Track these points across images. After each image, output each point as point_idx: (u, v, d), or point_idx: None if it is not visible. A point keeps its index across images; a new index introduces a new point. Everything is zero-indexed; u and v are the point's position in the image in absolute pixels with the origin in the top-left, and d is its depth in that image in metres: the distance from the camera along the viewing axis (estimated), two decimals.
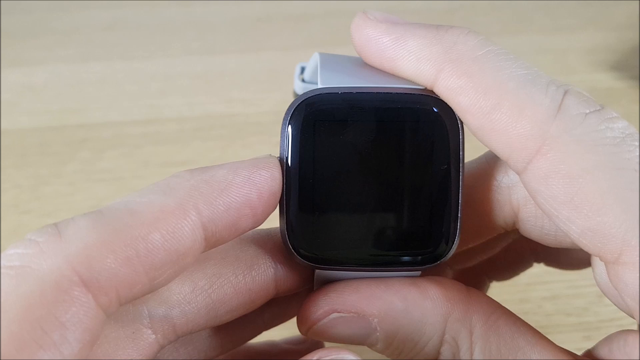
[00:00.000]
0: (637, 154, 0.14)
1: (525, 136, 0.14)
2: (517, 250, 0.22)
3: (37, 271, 0.12)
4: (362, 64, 0.17)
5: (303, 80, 0.25)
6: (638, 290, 0.14)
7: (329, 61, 0.17)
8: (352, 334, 0.17)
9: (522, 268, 0.23)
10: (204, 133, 0.43)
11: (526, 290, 0.32)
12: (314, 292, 0.17)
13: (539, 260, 0.23)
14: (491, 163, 0.18)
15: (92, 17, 0.55)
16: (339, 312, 0.16)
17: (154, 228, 0.13)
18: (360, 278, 0.17)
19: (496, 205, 0.18)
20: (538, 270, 0.24)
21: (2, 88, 0.47)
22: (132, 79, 0.48)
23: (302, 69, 0.25)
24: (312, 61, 0.19)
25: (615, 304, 0.17)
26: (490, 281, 0.24)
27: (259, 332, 0.21)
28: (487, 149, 0.17)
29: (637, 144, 0.14)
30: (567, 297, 0.32)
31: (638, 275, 0.13)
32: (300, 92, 0.18)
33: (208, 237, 0.15)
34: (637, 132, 0.14)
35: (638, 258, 0.13)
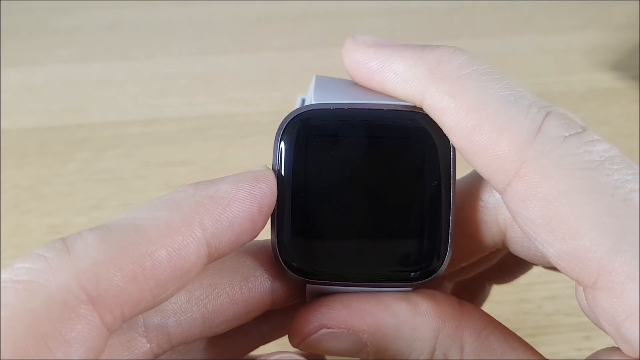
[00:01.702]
0: (615, 177, 0.14)
1: (503, 158, 0.14)
2: (515, 256, 0.22)
3: (45, 287, 0.12)
4: (356, 85, 0.18)
5: None
6: (615, 315, 0.14)
7: (323, 81, 0.18)
8: (342, 348, 0.17)
9: (522, 271, 0.23)
10: (204, 133, 0.43)
11: (526, 290, 0.32)
12: (305, 305, 0.17)
13: (537, 263, 0.23)
14: (477, 182, 0.18)
15: (92, 17, 0.55)
16: (328, 328, 0.16)
17: (160, 245, 0.14)
18: (351, 292, 0.17)
19: (484, 225, 0.17)
20: (538, 271, 0.24)
21: (2, 88, 0.47)
22: (132, 79, 0.48)
23: (303, 101, 0.25)
24: (312, 84, 0.19)
25: (596, 326, 0.17)
26: (491, 285, 0.24)
27: (256, 346, 0.21)
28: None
29: (616, 167, 0.14)
30: (567, 297, 0.32)
31: (615, 300, 0.13)
32: None
33: (211, 252, 0.15)
34: (619, 154, 0.14)
35: (614, 283, 0.13)
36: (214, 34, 0.53)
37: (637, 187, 0.14)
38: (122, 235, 0.13)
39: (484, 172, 0.15)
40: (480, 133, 0.15)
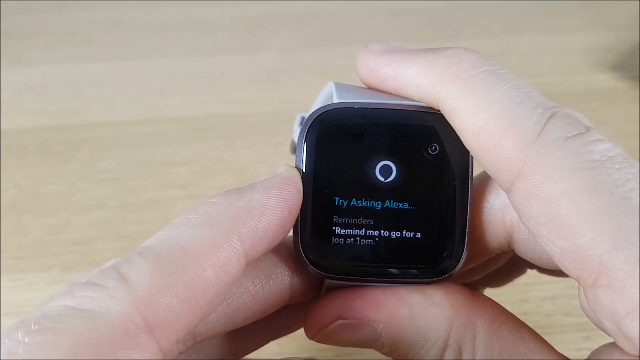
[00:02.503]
0: (615, 176, 0.14)
1: (506, 159, 0.15)
2: (511, 258, 0.22)
3: (107, 316, 0.13)
4: (372, 90, 0.18)
5: None
6: (615, 312, 0.14)
7: (344, 85, 0.18)
8: (357, 339, 0.17)
9: (516, 275, 0.23)
10: (204, 133, 0.43)
11: (526, 291, 0.32)
12: (321, 298, 0.17)
13: (532, 266, 0.23)
14: (484, 185, 0.18)
15: (92, 17, 0.55)
16: (344, 319, 0.17)
17: (207, 265, 0.14)
18: (367, 286, 0.17)
19: (490, 227, 0.18)
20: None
21: (2, 88, 0.47)
22: (132, 79, 0.48)
23: (302, 119, 0.26)
24: (325, 91, 0.20)
25: (597, 327, 0.17)
26: (484, 288, 0.24)
27: (267, 341, 0.21)
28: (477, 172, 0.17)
29: (617, 166, 0.14)
30: (567, 297, 0.32)
31: (615, 297, 0.14)
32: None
33: (248, 261, 0.15)
34: (621, 153, 0.14)
35: (614, 281, 0.13)
36: (214, 34, 0.53)
37: (637, 186, 0.14)
38: (172, 259, 0.14)
39: (490, 172, 0.16)
40: (485, 134, 0.15)
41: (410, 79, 0.17)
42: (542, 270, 0.23)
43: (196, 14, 0.55)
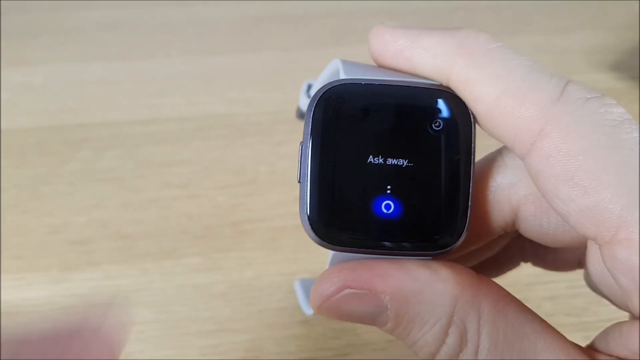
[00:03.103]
0: (635, 134, 0.15)
1: (529, 118, 0.15)
2: (506, 249, 0.23)
3: None
4: (380, 67, 0.19)
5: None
6: (633, 266, 0.14)
7: (350, 62, 0.19)
8: (363, 311, 0.17)
9: (509, 267, 0.24)
10: (204, 133, 0.43)
11: (526, 290, 0.32)
12: (328, 269, 0.18)
13: (526, 259, 0.23)
14: (489, 165, 0.18)
15: (92, 17, 0.55)
16: (352, 288, 0.17)
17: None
18: (373, 258, 0.18)
19: (496, 206, 0.18)
20: (538, 271, 0.24)
21: (2, 88, 0.47)
22: (132, 79, 0.48)
23: (309, 86, 0.26)
24: (329, 68, 0.20)
25: (610, 298, 0.17)
26: None
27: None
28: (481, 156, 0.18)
29: (635, 127, 0.15)
30: (567, 297, 0.32)
31: (633, 251, 0.14)
32: (305, 108, 0.19)
33: None
34: (633, 119, 0.15)
35: (634, 234, 0.14)
36: (214, 34, 0.53)
37: None
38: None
39: (508, 135, 0.16)
40: (507, 97, 0.16)
41: (427, 49, 0.17)
42: (536, 263, 0.23)
43: (196, 14, 0.55)
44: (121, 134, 0.43)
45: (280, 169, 0.40)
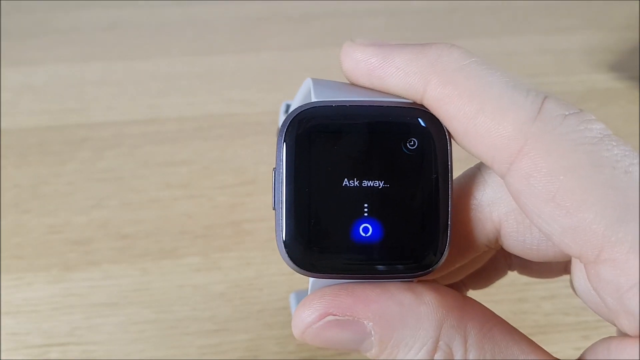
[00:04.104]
0: (616, 151, 0.14)
1: (507, 137, 0.15)
2: (492, 261, 0.22)
3: None
4: (352, 85, 0.18)
5: None
6: (619, 287, 0.14)
7: (321, 81, 0.18)
8: (346, 337, 0.17)
9: (497, 277, 0.23)
10: (203, 133, 0.43)
11: (525, 290, 0.32)
12: (310, 295, 0.17)
13: (512, 268, 0.23)
14: (469, 183, 0.18)
15: (92, 17, 0.55)
16: (334, 315, 0.17)
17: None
18: (355, 282, 0.17)
19: (478, 223, 0.18)
20: None
21: (2, 88, 0.47)
22: (132, 79, 0.48)
23: (288, 107, 0.26)
24: (303, 87, 0.20)
25: (595, 312, 0.17)
26: (467, 290, 0.24)
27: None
28: (461, 172, 0.18)
29: (614, 143, 0.15)
30: (566, 296, 0.32)
31: (618, 272, 0.14)
32: None
33: None
34: (613, 134, 0.15)
35: (618, 255, 0.14)
36: (214, 34, 0.53)
37: (636, 162, 0.14)
38: None
39: (487, 154, 0.16)
40: (484, 115, 0.15)
41: (399, 67, 0.17)
42: (522, 271, 0.23)
43: (196, 14, 0.55)
44: (121, 134, 0.43)
45: None
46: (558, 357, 0.16)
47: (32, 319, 0.33)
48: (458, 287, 0.23)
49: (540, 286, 0.33)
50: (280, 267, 0.35)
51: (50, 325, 0.33)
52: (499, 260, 0.23)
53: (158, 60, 0.50)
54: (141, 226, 0.37)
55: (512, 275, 0.24)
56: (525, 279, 0.24)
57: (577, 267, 0.17)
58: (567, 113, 0.15)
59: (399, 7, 0.56)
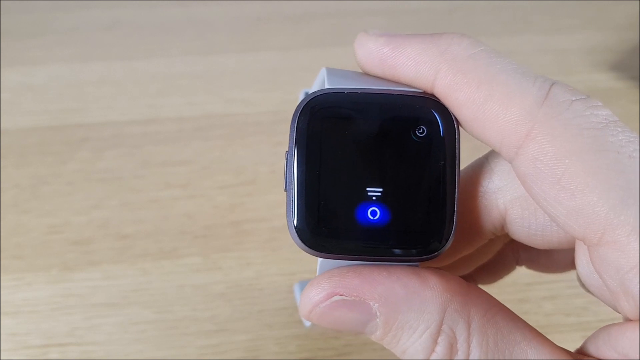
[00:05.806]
0: (621, 137, 0.15)
1: (515, 122, 0.15)
2: (500, 254, 0.23)
3: None
4: (365, 75, 0.19)
5: None
6: (620, 268, 0.14)
7: (335, 70, 0.19)
8: (352, 318, 0.17)
9: (505, 272, 0.24)
10: (203, 133, 0.43)
11: (526, 290, 0.32)
12: (317, 276, 0.18)
13: (520, 263, 0.23)
14: (476, 172, 0.19)
15: (92, 17, 0.55)
16: (341, 295, 0.17)
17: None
18: (362, 265, 0.18)
19: (484, 211, 0.18)
20: None
21: (2, 88, 0.47)
22: (132, 79, 0.48)
23: (306, 95, 0.26)
24: (319, 76, 0.20)
25: (598, 297, 0.17)
26: (476, 285, 0.24)
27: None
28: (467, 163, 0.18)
29: (620, 129, 0.15)
30: (567, 296, 0.32)
31: (620, 253, 0.14)
32: None
33: None
34: (619, 120, 0.15)
35: (620, 237, 0.14)
36: (214, 34, 0.53)
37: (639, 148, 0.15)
38: None
39: (495, 139, 0.16)
40: (492, 101, 0.16)
41: (410, 57, 0.17)
42: (529, 265, 0.23)
43: (196, 13, 0.55)
44: (121, 134, 0.43)
45: (280, 169, 0.40)
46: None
47: (31, 319, 0.33)
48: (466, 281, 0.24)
49: (541, 286, 0.33)
50: (280, 267, 0.35)
51: (50, 326, 0.33)
52: (506, 255, 0.23)
53: (158, 60, 0.50)
54: (141, 226, 0.37)
55: (514, 275, 0.24)
56: (527, 279, 0.24)
57: (581, 252, 0.18)
58: (573, 99, 0.15)
59: (399, 7, 0.56)
